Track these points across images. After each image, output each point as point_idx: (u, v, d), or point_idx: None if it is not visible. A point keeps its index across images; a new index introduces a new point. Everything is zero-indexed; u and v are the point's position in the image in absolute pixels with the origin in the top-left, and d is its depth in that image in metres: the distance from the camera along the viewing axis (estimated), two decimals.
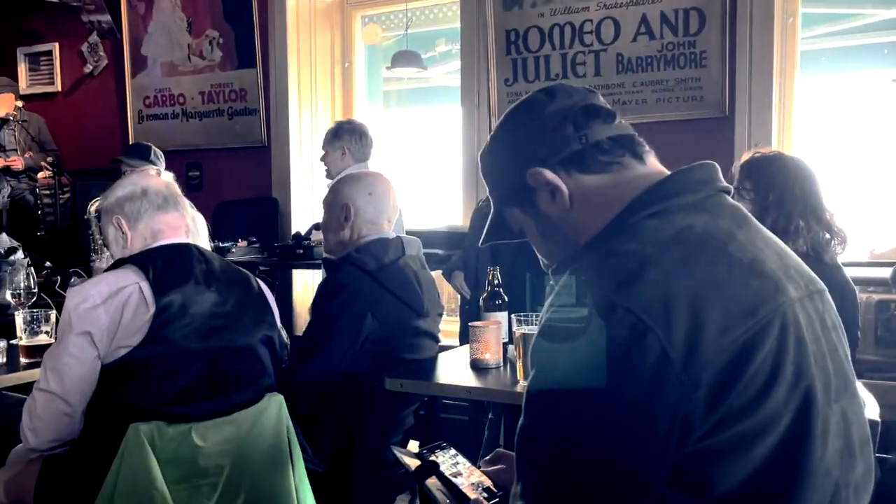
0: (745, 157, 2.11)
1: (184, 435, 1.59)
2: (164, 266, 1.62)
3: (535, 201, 0.98)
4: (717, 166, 0.97)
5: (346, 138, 3.27)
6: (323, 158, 3.37)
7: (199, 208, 4.55)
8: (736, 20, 3.38)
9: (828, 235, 1.98)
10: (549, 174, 0.96)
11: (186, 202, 1.83)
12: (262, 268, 4.05)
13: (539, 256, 1.05)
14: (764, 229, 0.96)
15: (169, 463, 1.57)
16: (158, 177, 1.78)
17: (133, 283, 1.59)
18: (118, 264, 1.65)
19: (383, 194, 2.05)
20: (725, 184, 0.97)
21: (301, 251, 3.90)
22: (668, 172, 0.96)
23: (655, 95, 3.58)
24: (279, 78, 4.57)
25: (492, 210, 1.08)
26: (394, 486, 2.13)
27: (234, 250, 4.06)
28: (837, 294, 1.06)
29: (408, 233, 2.56)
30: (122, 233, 1.71)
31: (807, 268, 0.96)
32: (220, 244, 3.93)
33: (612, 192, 0.94)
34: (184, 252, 1.69)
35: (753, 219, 0.96)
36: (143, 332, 1.56)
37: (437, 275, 2.89)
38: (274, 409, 1.76)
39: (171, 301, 1.58)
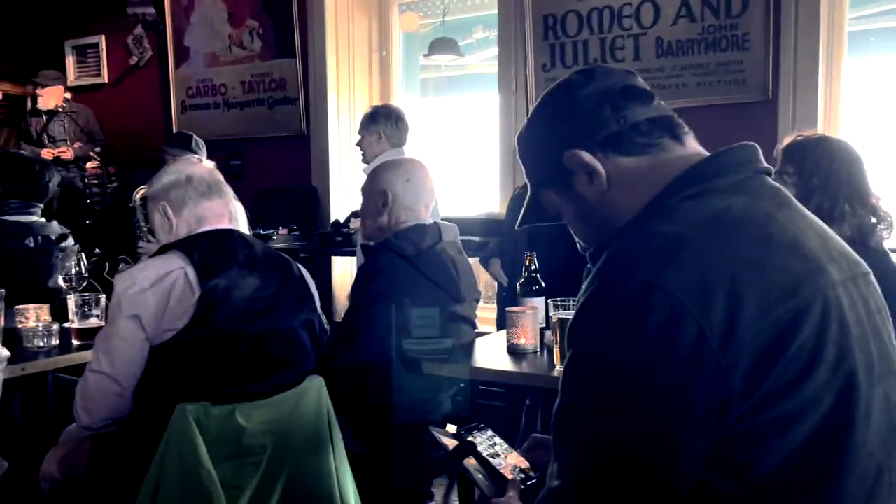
0: (788, 140, 2.07)
1: (228, 415, 1.63)
2: (209, 251, 1.67)
3: (572, 184, 0.99)
4: (758, 147, 0.96)
5: (382, 123, 3.29)
6: (359, 143, 3.40)
7: (241, 197, 4.62)
8: (780, 0, 3.31)
9: (874, 220, 1.94)
10: (586, 156, 0.96)
11: (230, 189, 1.87)
12: (302, 255, 4.12)
13: (576, 239, 1.05)
14: (806, 211, 0.95)
15: (214, 442, 1.62)
16: (202, 164, 1.82)
17: (179, 267, 1.63)
18: (164, 250, 1.70)
19: (421, 180, 2.07)
20: (766, 165, 0.96)
21: (340, 238, 3.95)
22: (708, 154, 0.96)
23: (696, 79, 3.53)
24: (318, 67, 4.61)
25: (528, 192, 1.08)
26: (431, 468, 2.15)
27: (274, 238, 4.12)
28: (883, 279, 1.04)
29: (444, 220, 2.59)
30: (168, 219, 1.76)
31: (850, 250, 0.95)
32: (262, 232, 4.00)
33: (651, 173, 0.94)
34: (227, 237, 1.73)
35: (795, 200, 0.95)
36: (188, 315, 1.61)
37: (474, 262, 2.90)
38: (315, 391, 1.80)
39: (215, 285, 1.63)
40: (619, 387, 0.79)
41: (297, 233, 4.32)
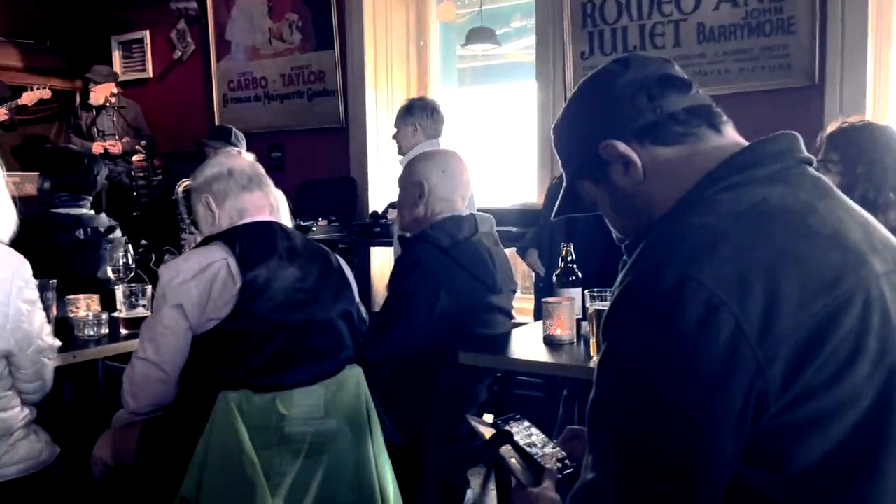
0: (832, 127, 2.02)
1: (269, 403, 1.67)
2: (250, 243, 1.70)
3: (607, 174, 0.98)
4: (798, 136, 0.94)
5: (417, 115, 3.30)
6: (395, 135, 3.42)
7: (282, 188, 4.70)
8: None
9: None
10: (622, 146, 0.95)
11: (270, 181, 1.91)
12: (341, 245, 4.16)
13: (612, 230, 1.05)
14: (849, 201, 0.93)
15: (256, 429, 1.66)
16: (243, 158, 1.85)
17: (221, 258, 1.67)
18: (207, 241, 1.74)
19: (456, 172, 2.07)
20: (807, 154, 0.94)
21: (378, 229, 3.98)
22: (746, 144, 0.94)
23: (739, 65, 3.46)
24: (356, 59, 4.64)
25: (564, 183, 1.08)
26: (468, 458, 2.17)
27: (314, 229, 4.18)
28: None
29: (481, 210, 2.59)
30: (211, 211, 1.80)
31: (895, 241, 0.93)
32: (302, 223, 4.06)
33: (687, 164, 0.93)
34: (268, 229, 1.76)
35: (837, 190, 0.93)
36: (230, 305, 1.65)
37: (511, 252, 2.90)
38: (353, 380, 1.83)
39: (256, 276, 1.66)
40: (653, 382, 0.79)
41: (336, 224, 4.37)
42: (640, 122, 0.95)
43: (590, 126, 1.00)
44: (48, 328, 1.70)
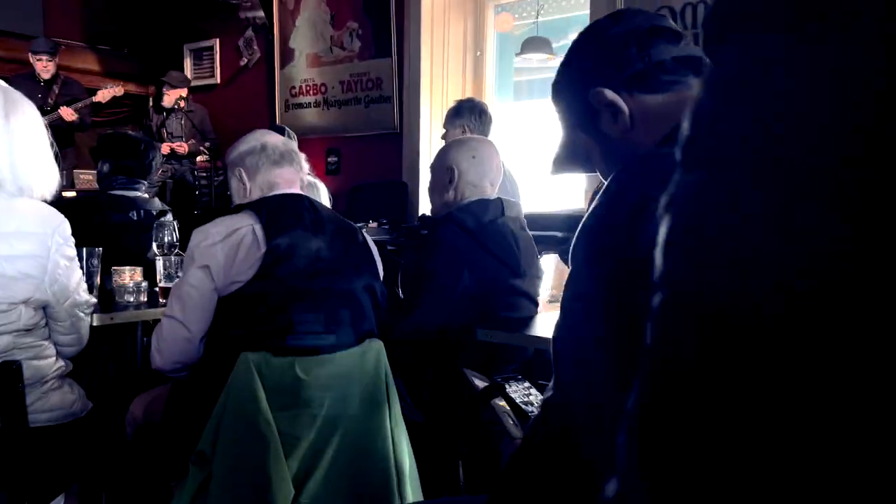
0: None
1: (287, 366, 1.72)
2: (277, 211, 1.77)
3: (598, 123, 1.00)
4: None
5: (466, 116, 3.35)
6: (443, 136, 3.48)
7: (336, 191, 4.81)
8: None
9: None
10: (609, 94, 0.97)
11: (303, 159, 1.97)
12: (389, 248, 4.23)
13: (601, 179, 1.06)
14: None
15: (273, 391, 1.71)
16: (276, 134, 1.93)
17: (248, 224, 1.74)
18: (237, 210, 1.81)
19: (486, 158, 2.10)
20: None
21: (426, 231, 4.03)
22: None
23: None
24: (412, 67, 4.74)
25: (560, 139, 1.10)
26: (491, 440, 2.16)
27: (364, 230, 4.26)
28: None
29: (528, 217, 2.60)
30: (243, 184, 1.87)
31: None
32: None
33: (674, 110, 0.94)
34: (295, 201, 1.83)
35: None
36: (254, 269, 1.71)
37: (555, 258, 2.89)
38: (373, 353, 1.86)
39: (279, 243, 1.72)
40: (614, 293, 0.80)
41: (385, 226, 4.44)
42: (628, 71, 0.97)
43: (580, 75, 1.02)
44: (84, 285, 1.80)
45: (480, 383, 1.23)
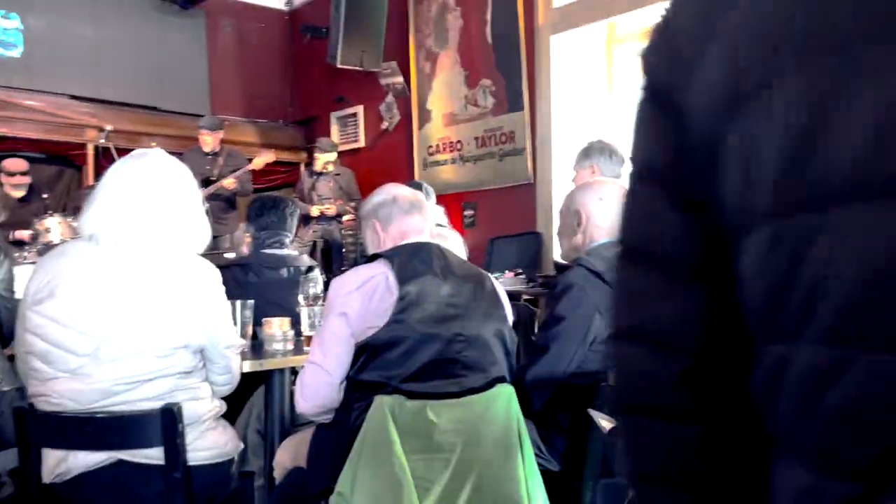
0: None
1: (420, 410, 1.76)
2: (407, 259, 1.84)
3: None
4: None
5: (595, 157, 3.33)
6: (574, 179, 3.47)
7: (474, 243, 4.89)
8: None
9: None
10: None
11: (436, 210, 2.05)
12: (525, 297, 4.25)
13: None
14: None
15: (407, 434, 1.75)
16: (405, 187, 2.03)
17: (381, 272, 1.83)
18: (372, 258, 1.91)
19: (614, 200, 2.08)
20: None
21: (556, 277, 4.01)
22: None
23: None
24: (544, 117, 4.81)
25: None
26: (626, 490, 2.08)
27: (500, 280, 4.31)
28: None
29: None
30: (377, 234, 1.97)
31: None
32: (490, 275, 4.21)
33: None
34: (425, 249, 1.90)
35: None
36: (387, 315, 1.78)
37: None
38: (504, 398, 1.87)
39: (410, 289, 1.79)
40: None
41: (522, 276, 4.46)
42: None
43: None
44: (235, 329, 1.95)
45: (607, 424, 1.20)
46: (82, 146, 5.92)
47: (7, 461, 2.20)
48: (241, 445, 1.99)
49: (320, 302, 2.65)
